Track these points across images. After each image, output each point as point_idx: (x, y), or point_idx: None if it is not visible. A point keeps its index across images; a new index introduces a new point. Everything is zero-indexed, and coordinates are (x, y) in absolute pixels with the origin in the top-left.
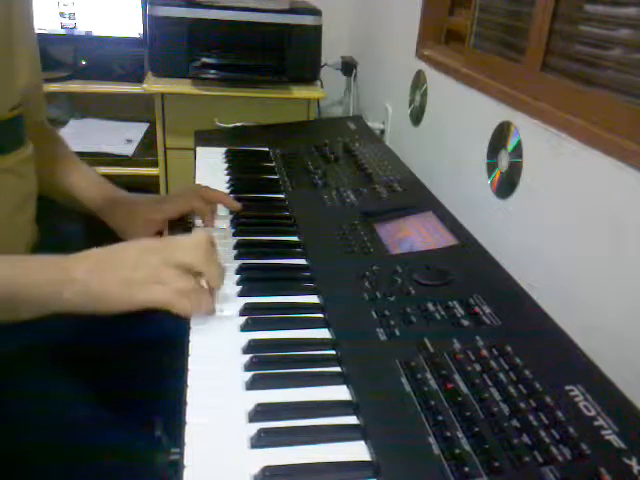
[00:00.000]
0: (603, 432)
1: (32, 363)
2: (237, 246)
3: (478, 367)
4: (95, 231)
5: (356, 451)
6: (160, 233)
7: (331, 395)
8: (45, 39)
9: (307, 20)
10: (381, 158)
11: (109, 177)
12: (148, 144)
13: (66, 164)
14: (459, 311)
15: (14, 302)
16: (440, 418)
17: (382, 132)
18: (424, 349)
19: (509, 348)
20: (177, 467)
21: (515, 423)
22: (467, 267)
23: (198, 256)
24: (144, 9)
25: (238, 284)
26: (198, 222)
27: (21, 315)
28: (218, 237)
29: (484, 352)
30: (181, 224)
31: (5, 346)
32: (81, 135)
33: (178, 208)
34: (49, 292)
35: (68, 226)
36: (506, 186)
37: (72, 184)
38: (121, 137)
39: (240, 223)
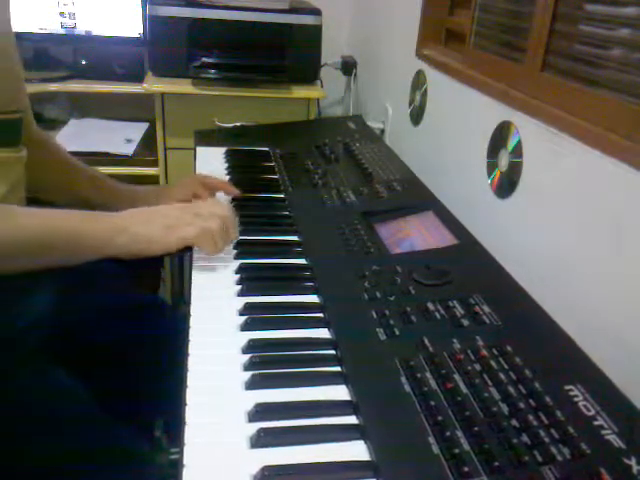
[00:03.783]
0: (603, 432)
1: (31, 363)
2: (237, 246)
3: (478, 367)
4: None
5: (356, 451)
6: None
7: (331, 395)
8: (45, 39)
9: (307, 20)
10: (381, 158)
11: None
12: (148, 144)
13: (67, 172)
14: (459, 311)
15: (76, 247)
16: (440, 418)
17: (382, 132)
18: (424, 349)
19: (509, 348)
20: (177, 467)
21: (515, 423)
22: (467, 267)
23: (224, 210)
24: (144, 9)
25: (238, 284)
26: None
27: (80, 258)
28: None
29: (484, 352)
30: None
31: (3, 346)
32: (81, 135)
33: (179, 196)
34: (106, 238)
35: None
36: (506, 186)
37: (80, 191)
38: (121, 137)
39: (240, 223)
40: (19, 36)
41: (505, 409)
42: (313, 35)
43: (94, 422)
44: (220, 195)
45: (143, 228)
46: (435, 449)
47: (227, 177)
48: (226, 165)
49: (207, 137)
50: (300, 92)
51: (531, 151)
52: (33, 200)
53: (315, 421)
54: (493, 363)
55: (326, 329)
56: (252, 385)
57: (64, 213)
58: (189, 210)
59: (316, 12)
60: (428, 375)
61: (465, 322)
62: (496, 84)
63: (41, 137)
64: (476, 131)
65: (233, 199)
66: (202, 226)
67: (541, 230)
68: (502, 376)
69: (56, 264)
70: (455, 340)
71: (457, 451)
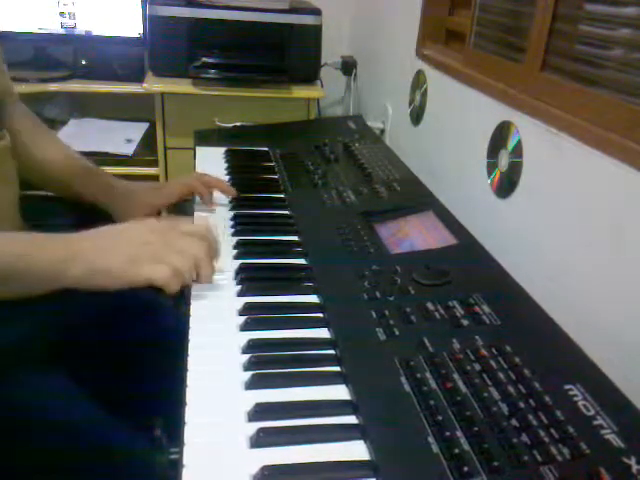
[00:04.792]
0: (602, 431)
1: (31, 362)
2: (237, 246)
3: (477, 367)
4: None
5: (355, 450)
6: (158, 213)
7: (330, 395)
8: (45, 39)
9: (307, 20)
10: (381, 158)
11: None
12: (148, 144)
13: (62, 160)
14: (459, 311)
15: (24, 278)
16: (439, 418)
17: (382, 132)
18: (423, 349)
19: (508, 348)
20: (176, 467)
21: (514, 422)
22: (467, 267)
23: (201, 248)
24: (144, 9)
25: (238, 284)
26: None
27: (32, 291)
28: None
29: (483, 352)
30: (178, 206)
31: (3, 346)
32: (81, 135)
33: (177, 192)
34: (56, 269)
35: (59, 224)
36: (506, 186)
37: (72, 185)
38: (121, 137)
39: (240, 223)
40: (19, 36)
41: (505, 409)
42: (313, 35)
43: (93, 422)
44: (218, 195)
45: (101, 258)
46: (435, 449)
47: (227, 177)
48: (226, 165)
49: (207, 137)
50: (300, 92)
51: (531, 151)
52: (29, 197)
53: (315, 421)
54: (493, 363)
55: (326, 329)
56: (252, 385)
57: (18, 240)
58: (158, 238)
59: (316, 12)
60: (428, 375)
61: (465, 322)
62: (496, 84)
63: (31, 125)
64: (476, 131)
65: (233, 199)
66: (171, 263)
67: (541, 230)
68: (502, 376)
69: (11, 295)
70: (455, 340)
71: (457, 451)
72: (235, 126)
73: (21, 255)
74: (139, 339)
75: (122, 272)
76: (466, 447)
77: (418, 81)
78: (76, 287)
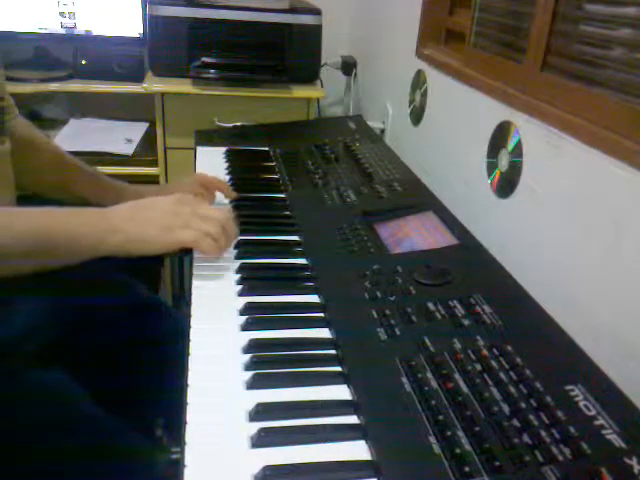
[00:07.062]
0: (603, 431)
1: (30, 361)
2: (237, 246)
3: (478, 367)
4: None
5: (356, 450)
6: None
7: (331, 395)
8: (45, 39)
9: (307, 19)
10: (381, 158)
11: (109, 177)
12: (148, 144)
13: (63, 172)
14: (459, 311)
15: (71, 247)
16: (440, 417)
17: (382, 132)
18: (425, 348)
19: (509, 348)
20: (178, 466)
21: (515, 422)
22: (467, 267)
23: (223, 213)
24: (144, 9)
25: (238, 283)
26: None
27: (75, 259)
28: None
29: (484, 352)
30: None
31: (2, 343)
32: (81, 135)
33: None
34: (96, 238)
35: None
36: (506, 186)
37: (78, 191)
38: (121, 137)
39: (240, 223)
40: (19, 36)
41: (506, 409)
42: (313, 35)
43: (94, 422)
44: (218, 195)
45: (138, 227)
46: (436, 449)
47: (227, 177)
48: (226, 165)
49: (207, 137)
50: (300, 92)
51: (531, 151)
52: (26, 197)
53: (316, 421)
54: (494, 363)
55: (327, 329)
56: (253, 385)
57: (59, 212)
58: (186, 208)
59: (316, 12)
60: (429, 375)
61: (466, 322)
62: (496, 84)
63: (30, 135)
64: (476, 131)
65: (233, 199)
66: (200, 229)
67: (541, 230)
68: (503, 376)
69: (51, 265)
70: (456, 340)
71: (458, 451)
72: (235, 126)
73: (70, 227)
74: (139, 339)
75: (157, 239)
76: (467, 447)
77: (418, 81)
78: (113, 255)
